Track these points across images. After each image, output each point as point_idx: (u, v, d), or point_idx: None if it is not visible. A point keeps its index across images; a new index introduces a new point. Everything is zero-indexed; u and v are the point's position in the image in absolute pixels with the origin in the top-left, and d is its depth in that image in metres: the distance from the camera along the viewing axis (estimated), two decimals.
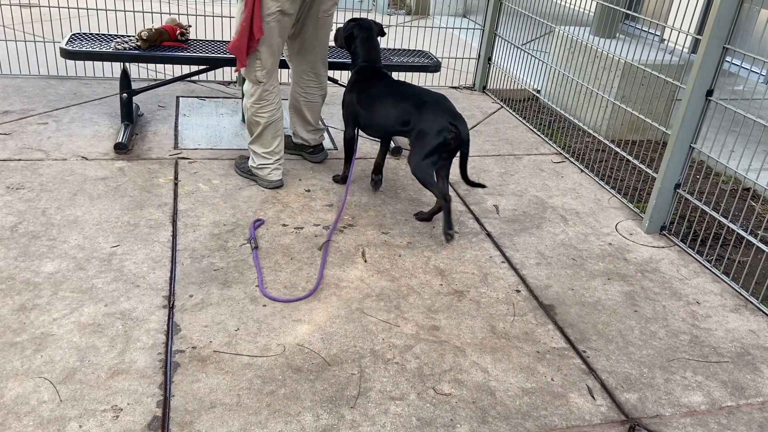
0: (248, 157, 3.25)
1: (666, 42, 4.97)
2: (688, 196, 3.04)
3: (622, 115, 4.12)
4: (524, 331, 2.35)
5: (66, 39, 3.49)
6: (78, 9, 4.45)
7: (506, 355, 2.22)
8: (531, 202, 3.32)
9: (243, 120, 3.92)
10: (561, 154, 3.97)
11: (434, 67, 3.80)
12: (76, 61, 4.18)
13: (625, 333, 2.41)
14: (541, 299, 2.55)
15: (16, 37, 4.51)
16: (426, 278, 2.60)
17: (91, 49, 3.38)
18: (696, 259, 2.94)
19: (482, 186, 3.13)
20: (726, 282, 2.78)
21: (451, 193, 3.32)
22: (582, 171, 3.76)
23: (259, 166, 3.15)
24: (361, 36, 3.10)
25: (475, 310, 2.44)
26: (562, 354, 2.26)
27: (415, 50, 4.02)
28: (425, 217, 3.01)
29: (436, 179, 2.87)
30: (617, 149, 3.61)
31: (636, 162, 3.45)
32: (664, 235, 3.13)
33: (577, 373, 2.18)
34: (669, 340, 2.39)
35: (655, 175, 3.15)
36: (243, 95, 3.15)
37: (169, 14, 4.07)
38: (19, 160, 3.18)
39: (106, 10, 4.42)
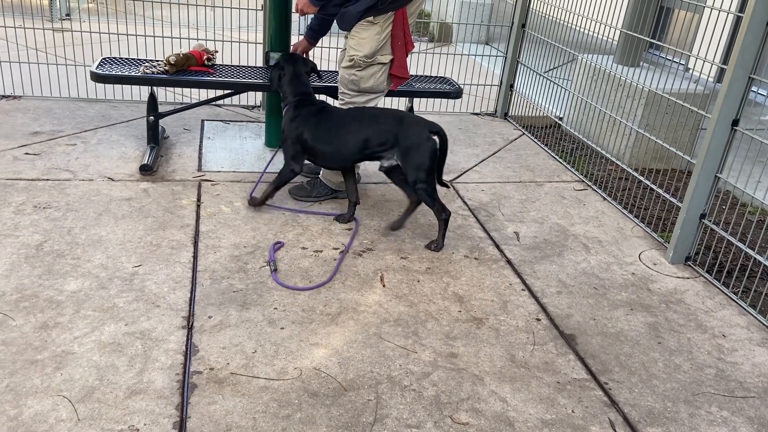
0: (313, 183, 3.33)
1: (691, 71, 4.94)
2: (714, 227, 2.99)
3: (645, 144, 4.09)
4: (544, 361, 2.31)
5: (96, 63, 3.58)
6: (109, 34, 4.58)
7: (526, 385, 2.19)
8: (552, 230, 3.29)
9: (267, 144, 3.96)
10: (583, 181, 3.94)
11: (456, 93, 3.82)
12: (106, 85, 4.29)
13: (649, 365, 2.35)
14: (562, 328, 2.51)
15: (48, 61, 4.64)
16: (444, 304, 2.58)
17: (120, 72, 3.47)
18: (722, 291, 2.88)
19: (446, 186, 3.24)
20: (753, 315, 2.72)
21: (471, 219, 3.31)
22: (604, 199, 3.73)
23: (341, 183, 3.27)
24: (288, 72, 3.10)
25: (494, 338, 2.41)
26: (584, 385, 2.22)
27: (437, 77, 4.05)
28: (398, 226, 3.07)
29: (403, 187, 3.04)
30: (641, 178, 3.57)
31: (660, 191, 3.41)
32: (689, 265, 3.08)
33: (598, 406, 2.13)
34: (694, 373, 2.33)
35: (679, 204, 3.10)
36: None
37: (197, 40, 4.16)
38: (47, 179, 3.25)
39: (136, 36, 4.54)
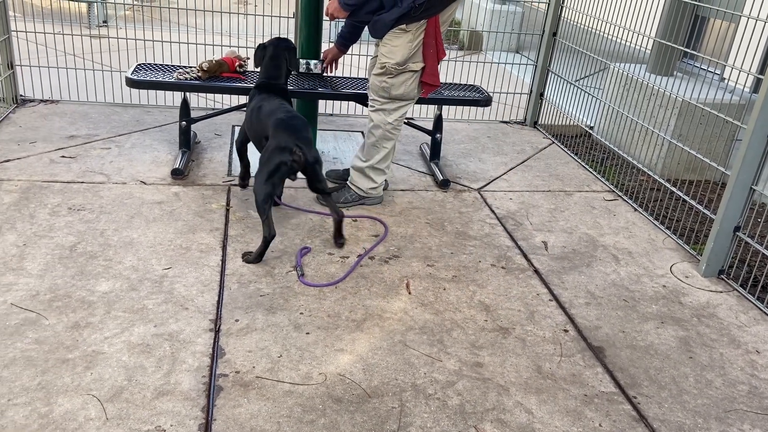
0: (340, 189, 3.33)
1: (726, 81, 4.84)
2: (749, 240, 2.92)
3: (678, 154, 4.01)
4: (572, 373, 2.28)
5: (132, 69, 3.66)
6: (144, 41, 4.68)
7: (552, 397, 2.16)
8: (581, 240, 3.25)
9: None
10: (613, 191, 3.89)
11: (485, 101, 3.81)
12: (140, 90, 4.38)
13: (679, 380, 2.30)
14: (590, 340, 2.48)
15: (85, 66, 4.76)
16: (470, 313, 2.56)
17: (154, 78, 3.53)
18: (756, 306, 2.81)
19: (335, 189, 3.19)
20: None
21: (499, 228, 3.28)
22: (635, 210, 3.67)
23: (370, 190, 3.31)
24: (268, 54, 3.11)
25: (521, 348, 2.39)
26: (612, 399, 2.18)
27: (466, 84, 4.05)
28: (252, 259, 2.75)
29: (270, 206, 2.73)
30: (673, 189, 3.51)
31: (693, 202, 3.34)
32: (722, 279, 3.01)
33: (627, 420, 2.09)
34: (726, 389, 2.28)
35: (713, 216, 3.04)
36: (372, 120, 3.20)
37: (229, 47, 4.23)
38: (82, 182, 3.32)
39: (170, 43, 4.63)
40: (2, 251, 2.65)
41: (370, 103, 3.22)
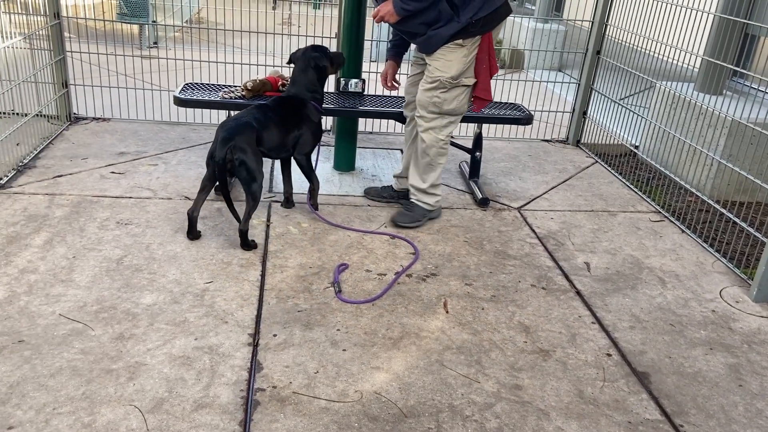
0: (411, 207, 3.34)
1: None
2: None
3: (728, 175, 3.89)
4: (615, 399, 2.21)
5: (179, 88, 3.77)
6: (192, 61, 4.82)
7: (594, 423, 2.09)
8: (626, 262, 3.17)
9: (335, 167, 4.03)
10: (660, 212, 3.79)
11: (526, 119, 3.78)
12: (187, 109, 4.50)
13: (728, 409, 2.21)
14: (635, 365, 2.40)
15: (136, 86, 4.93)
16: (509, 334, 2.52)
17: (200, 97, 3.63)
18: None
19: (238, 220, 3.03)
20: None
21: (539, 247, 3.23)
22: (683, 231, 3.56)
23: (435, 203, 3.34)
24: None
25: (562, 371, 2.33)
26: (657, 427, 2.10)
27: (507, 103, 4.03)
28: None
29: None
30: (723, 210, 3.40)
31: (744, 225, 3.23)
32: None
33: None
34: None
35: (765, 239, 2.93)
36: (419, 136, 3.20)
37: (273, 67, 4.31)
38: (130, 197, 3.42)
39: (216, 63, 4.76)
40: (53, 263, 2.74)
41: (417, 119, 3.18)
